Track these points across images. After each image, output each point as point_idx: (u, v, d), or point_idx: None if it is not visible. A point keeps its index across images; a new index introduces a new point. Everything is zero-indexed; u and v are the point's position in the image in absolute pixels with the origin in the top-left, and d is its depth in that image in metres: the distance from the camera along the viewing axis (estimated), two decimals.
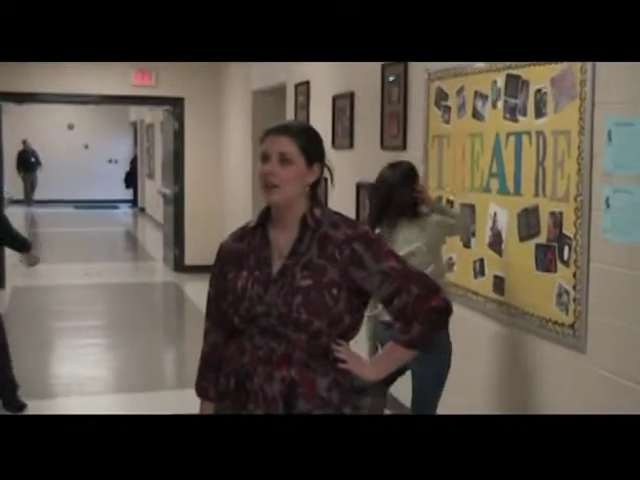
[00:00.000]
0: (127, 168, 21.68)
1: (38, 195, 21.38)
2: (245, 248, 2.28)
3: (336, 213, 2.29)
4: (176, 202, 10.70)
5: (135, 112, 20.10)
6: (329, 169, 2.32)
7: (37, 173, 21.42)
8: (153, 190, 16.93)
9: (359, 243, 2.18)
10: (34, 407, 5.29)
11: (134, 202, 21.16)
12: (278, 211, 2.24)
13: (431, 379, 3.69)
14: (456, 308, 3.93)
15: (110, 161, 22.49)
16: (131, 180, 21.30)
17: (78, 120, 21.75)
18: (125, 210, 20.76)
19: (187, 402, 5.55)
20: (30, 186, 21.23)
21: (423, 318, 2.18)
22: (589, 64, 3.20)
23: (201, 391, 2.36)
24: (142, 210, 19.87)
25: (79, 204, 20.97)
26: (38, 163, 21.33)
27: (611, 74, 3.12)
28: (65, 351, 7.12)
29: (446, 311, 2.22)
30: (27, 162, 20.95)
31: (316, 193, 2.27)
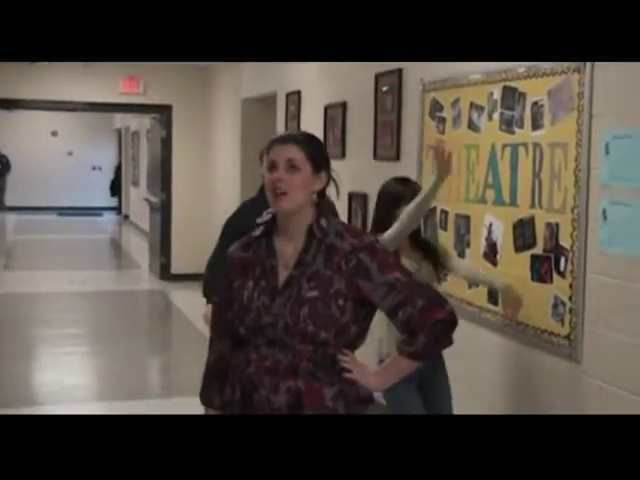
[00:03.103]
0: (112, 176, 21.61)
1: (21, 202, 21.24)
2: (251, 257, 2.28)
3: (341, 222, 2.30)
4: (163, 210, 10.67)
5: (120, 119, 20.04)
6: (334, 180, 2.32)
7: (6, 178, 21.27)
8: (138, 198, 16.87)
9: (365, 253, 2.18)
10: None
11: (118, 209, 21.10)
12: (285, 220, 2.25)
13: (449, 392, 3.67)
14: None
15: (94, 168, 22.42)
16: (116, 188, 21.24)
17: (62, 127, 21.66)
18: (109, 217, 20.69)
19: (173, 410, 5.56)
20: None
21: (428, 330, 2.19)
22: (586, 76, 3.22)
23: (206, 400, 2.36)
24: (126, 217, 19.80)
25: (63, 211, 20.86)
26: (7, 168, 21.20)
27: (608, 86, 3.15)
28: (50, 359, 7.07)
29: (451, 324, 2.23)
30: None
31: (322, 202, 2.28)
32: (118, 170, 21.25)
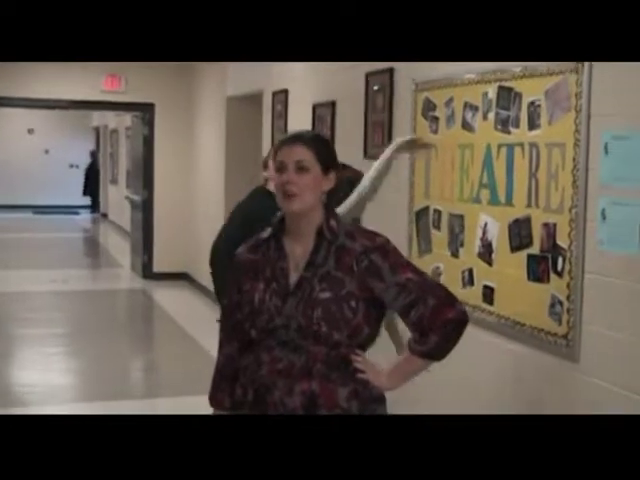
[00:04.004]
0: (83, 175, 21.31)
1: None
2: (260, 259, 2.27)
3: (351, 223, 2.30)
4: (145, 208, 10.60)
5: (98, 117, 19.90)
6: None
7: None
8: (117, 196, 16.77)
9: (377, 254, 2.19)
10: None
11: (92, 208, 20.91)
12: (294, 221, 2.24)
13: None
14: None
15: (71, 166, 22.23)
16: (89, 188, 20.96)
17: (38, 124, 21.47)
18: (86, 216, 20.52)
19: (156, 410, 5.52)
20: None
21: (439, 329, 2.19)
22: (584, 76, 3.24)
23: (216, 402, 2.35)
24: (104, 216, 19.67)
25: (38, 209, 20.67)
26: None
27: (607, 86, 3.16)
28: (32, 359, 7.01)
29: (462, 322, 2.23)
30: None
31: (331, 202, 2.28)
32: (90, 169, 20.96)
